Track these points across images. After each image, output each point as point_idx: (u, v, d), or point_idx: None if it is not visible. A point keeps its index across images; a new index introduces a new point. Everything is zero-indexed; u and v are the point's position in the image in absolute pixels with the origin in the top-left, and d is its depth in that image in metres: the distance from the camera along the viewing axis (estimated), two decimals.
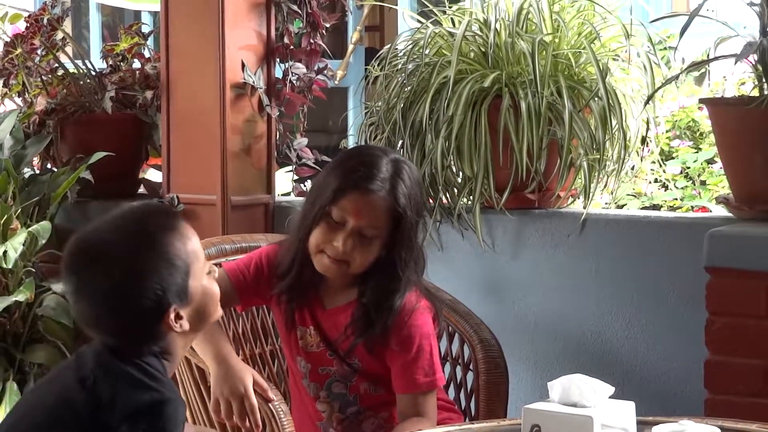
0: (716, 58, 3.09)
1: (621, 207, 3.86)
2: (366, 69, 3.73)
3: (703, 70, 3.59)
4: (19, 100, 4.07)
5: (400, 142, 3.45)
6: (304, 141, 3.94)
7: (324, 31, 3.89)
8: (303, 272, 2.78)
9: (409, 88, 3.46)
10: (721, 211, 3.38)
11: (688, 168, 4.20)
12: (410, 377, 2.74)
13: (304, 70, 3.87)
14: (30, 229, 3.62)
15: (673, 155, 4.26)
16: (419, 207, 2.75)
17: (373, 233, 2.68)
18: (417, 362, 2.74)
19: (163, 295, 2.14)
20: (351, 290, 2.78)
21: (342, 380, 2.82)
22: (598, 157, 3.32)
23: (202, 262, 2.23)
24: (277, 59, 3.85)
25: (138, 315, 2.15)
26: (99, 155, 3.76)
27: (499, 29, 3.39)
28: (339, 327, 2.79)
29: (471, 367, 3.04)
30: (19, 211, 3.70)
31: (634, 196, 3.97)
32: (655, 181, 3.97)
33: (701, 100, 3.49)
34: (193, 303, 2.20)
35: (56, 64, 4.04)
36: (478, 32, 3.44)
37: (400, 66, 3.52)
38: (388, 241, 2.70)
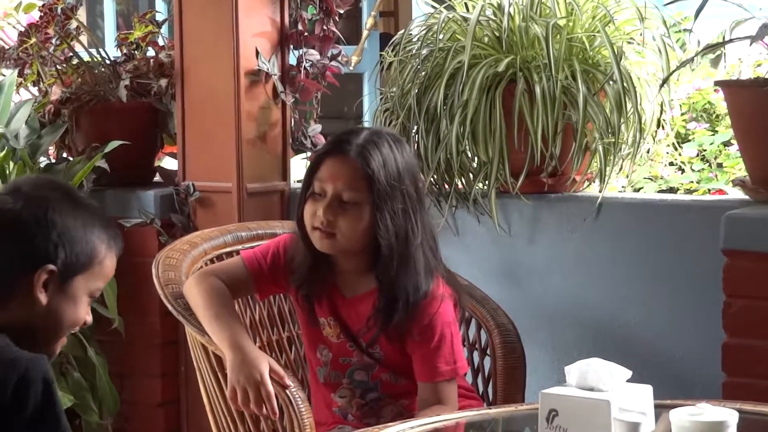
0: (732, 40, 3.08)
1: (637, 190, 3.85)
2: (380, 55, 3.72)
3: (718, 52, 3.57)
4: (34, 90, 4.07)
5: (415, 128, 3.46)
6: (318, 127, 3.94)
7: (338, 17, 3.88)
8: (314, 260, 2.78)
9: (423, 73, 3.45)
10: (737, 194, 3.37)
11: (705, 151, 4.18)
12: (432, 366, 2.75)
13: (318, 57, 3.86)
14: None
15: (689, 138, 4.25)
16: (399, 175, 2.69)
17: (351, 197, 2.67)
18: (439, 351, 2.74)
19: (56, 249, 2.09)
20: (369, 278, 2.78)
21: (363, 369, 2.83)
22: (614, 140, 3.32)
23: (98, 280, 2.17)
24: (291, 46, 3.85)
25: (26, 250, 2.10)
26: (114, 144, 3.76)
27: (513, 13, 3.39)
28: (360, 316, 2.79)
29: (488, 352, 3.05)
30: None
31: (651, 180, 3.96)
32: (671, 164, 3.95)
33: (717, 83, 3.48)
34: (62, 297, 2.13)
35: (71, 54, 4.03)
36: (492, 17, 3.44)
37: (414, 51, 3.52)
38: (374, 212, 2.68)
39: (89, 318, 2.21)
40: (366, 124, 4.20)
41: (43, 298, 2.11)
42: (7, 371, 1.99)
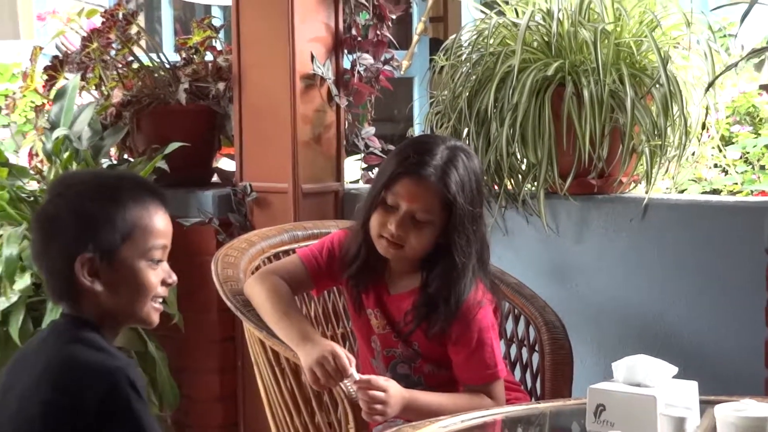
0: None
1: (682, 192, 3.88)
2: (431, 59, 3.77)
3: (762, 56, 3.60)
4: (96, 93, 4.10)
5: (466, 130, 3.49)
6: (372, 130, 3.98)
7: (390, 23, 3.94)
8: (368, 256, 2.85)
9: (474, 77, 3.50)
10: None
11: (748, 153, 4.20)
12: (472, 370, 2.81)
13: (371, 61, 3.90)
14: None
15: (733, 140, 4.26)
16: (473, 196, 2.77)
17: (424, 218, 2.74)
18: (476, 355, 2.79)
19: (83, 236, 2.14)
20: (414, 277, 2.84)
21: (406, 362, 2.88)
22: (660, 143, 3.35)
23: (147, 242, 2.19)
24: (345, 51, 3.90)
25: (60, 249, 2.16)
26: (174, 145, 3.78)
27: (561, 19, 3.43)
28: (401, 312, 2.85)
29: (536, 348, 3.09)
30: None
31: (695, 181, 3.98)
32: (716, 166, 3.98)
33: (761, 86, 3.51)
34: (117, 274, 2.16)
35: (131, 58, 4.08)
36: (542, 22, 3.48)
37: (465, 56, 3.57)
38: (444, 228, 2.76)
39: (169, 278, 2.24)
40: (417, 127, 4.25)
41: (97, 285, 2.15)
42: (94, 379, 2.07)
